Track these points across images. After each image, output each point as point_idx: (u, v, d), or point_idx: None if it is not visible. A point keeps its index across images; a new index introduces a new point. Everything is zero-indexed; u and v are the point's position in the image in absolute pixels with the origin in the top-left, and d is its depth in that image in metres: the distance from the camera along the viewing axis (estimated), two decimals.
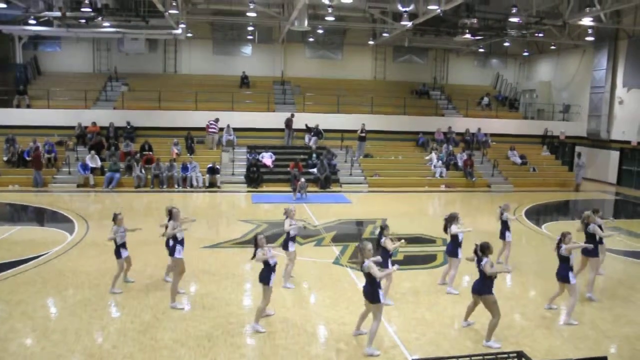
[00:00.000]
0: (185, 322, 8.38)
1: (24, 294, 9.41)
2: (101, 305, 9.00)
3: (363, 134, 25.24)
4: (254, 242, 8.05)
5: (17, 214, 17.63)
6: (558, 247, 8.83)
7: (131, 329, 8.02)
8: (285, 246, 10.20)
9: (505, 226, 11.61)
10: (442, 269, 11.05)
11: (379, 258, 8.10)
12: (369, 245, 7.45)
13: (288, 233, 10.09)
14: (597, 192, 24.34)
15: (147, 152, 23.02)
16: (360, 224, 16.68)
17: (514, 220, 11.99)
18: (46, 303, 9.15)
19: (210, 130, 24.68)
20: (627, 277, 11.63)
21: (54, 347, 7.39)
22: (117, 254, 9.75)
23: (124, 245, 9.80)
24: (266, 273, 8.07)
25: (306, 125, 25.62)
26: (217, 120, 24.69)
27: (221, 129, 25.00)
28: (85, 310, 8.71)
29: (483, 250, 7.89)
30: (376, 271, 7.25)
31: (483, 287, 7.83)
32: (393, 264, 8.70)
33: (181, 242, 9.14)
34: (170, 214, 9.28)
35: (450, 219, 10.17)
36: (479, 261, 7.91)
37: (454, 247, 10.10)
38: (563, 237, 8.76)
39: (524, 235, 15.22)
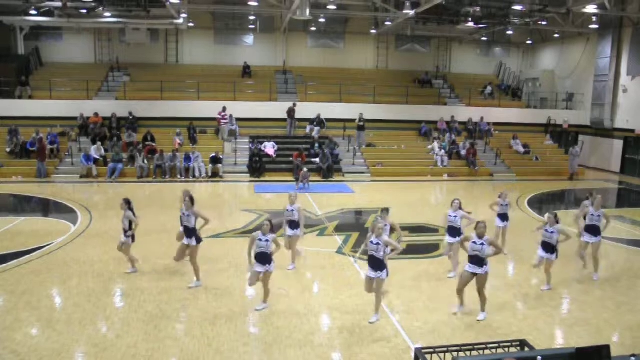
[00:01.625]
0: (189, 311, 8.43)
1: (29, 284, 9.47)
2: (105, 295, 9.06)
3: (361, 123, 25.20)
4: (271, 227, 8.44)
5: (21, 205, 17.69)
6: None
7: (135, 319, 8.07)
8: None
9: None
10: (443, 258, 11.10)
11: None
12: (380, 224, 8.12)
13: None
14: (600, 181, 24.28)
15: (149, 143, 23.04)
16: (363, 213, 16.69)
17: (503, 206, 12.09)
18: (51, 293, 9.21)
19: (222, 121, 24.57)
20: (629, 265, 11.63)
21: (59, 336, 7.45)
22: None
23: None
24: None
25: (311, 122, 25.52)
26: (224, 109, 24.61)
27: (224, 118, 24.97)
28: (90, 300, 8.76)
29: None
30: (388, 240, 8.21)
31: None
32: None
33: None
34: (184, 201, 9.56)
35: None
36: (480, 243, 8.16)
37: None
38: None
39: (526, 224, 15.21)
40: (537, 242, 9.76)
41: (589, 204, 10.73)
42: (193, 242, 9.48)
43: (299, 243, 10.74)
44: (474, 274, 8.19)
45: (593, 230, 10.43)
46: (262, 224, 8.46)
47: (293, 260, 10.73)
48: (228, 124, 24.81)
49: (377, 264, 7.99)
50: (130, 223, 9.85)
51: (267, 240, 8.33)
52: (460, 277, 8.45)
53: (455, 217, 10.12)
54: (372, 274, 8.02)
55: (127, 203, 9.94)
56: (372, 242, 8.01)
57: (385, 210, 9.75)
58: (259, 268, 8.38)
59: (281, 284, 9.79)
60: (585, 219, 10.67)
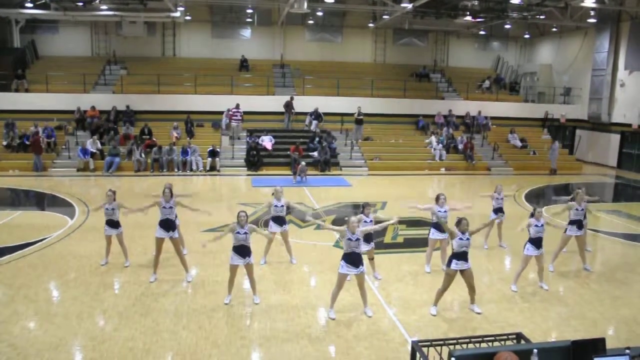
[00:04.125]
0: (187, 305, 8.45)
1: (26, 277, 9.48)
2: (102, 288, 9.06)
3: (360, 117, 25.18)
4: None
5: (18, 199, 17.65)
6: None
7: (133, 312, 8.08)
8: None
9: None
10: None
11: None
12: (353, 218, 8.06)
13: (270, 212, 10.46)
14: (597, 175, 24.35)
15: (146, 136, 22.98)
16: (360, 207, 16.70)
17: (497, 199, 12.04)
18: (48, 287, 9.21)
19: (234, 118, 24.24)
20: (625, 259, 11.68)
21: (57, 330, 7.46)
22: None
23: (108, 222, 10.00)
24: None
25: (309, 114, 25.50)
26: (238, 107, 24.28)
27: (222, 116, 24.74)
28: (87, 294, 8.77)
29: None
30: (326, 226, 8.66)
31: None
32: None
33: (160, 224, 9.42)
34: (163, 193, 9.58)
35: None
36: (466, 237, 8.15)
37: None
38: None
39: (522, 218, 15.23)
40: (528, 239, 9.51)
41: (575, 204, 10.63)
42: (176, 234, 9.52)
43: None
44: (462, 270, 8.16)
45: (578, 224, 10.46)
46: (238, 216, 8.32)
47: (291, 254, 10.73)
48: (224, 118, 24.66)
49: (358, 260, 7.93)
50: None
51: (245, 233, 8.26)
52: (447, 276, 8.20)
53: (445, 212, 10.10)
54: (355, 270, 7.92)
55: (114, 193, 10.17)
56: (350, 239, 7.86)
57: (368, 206, 9.52)
58: (239, 261, 8.34)
59: (278, 278, 9.82)
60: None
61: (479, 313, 8.37)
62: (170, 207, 9.46)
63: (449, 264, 8.18)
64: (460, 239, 8.05)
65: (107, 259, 10.25)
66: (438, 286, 9.45)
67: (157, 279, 9.44)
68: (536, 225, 9.29)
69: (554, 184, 22.06)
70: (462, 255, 8.09)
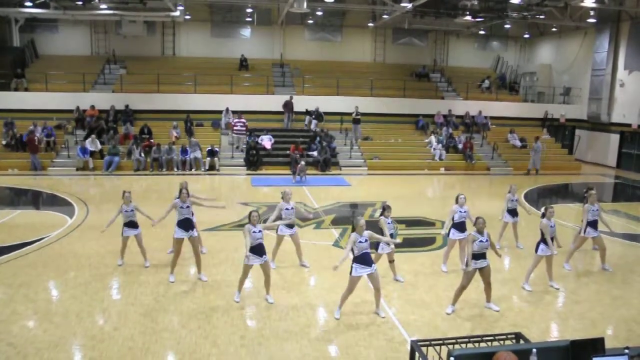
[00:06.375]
0: (186, 304, 8.45)
1: (26, 277, 9.47)
2: (102, 287, 9.07)
3: (357, 117, 25.18)
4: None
5: (17, 198, 17.65)
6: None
7: (132, 311, 8.08)
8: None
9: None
10: (441, 251, 11.13)
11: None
12: (362, 221, 7.87)
13: (281, 217, 10.12)
14: (596, 175, 24.35)
15: (146, 136, 22.98)
16: (359, 206, 16.72)
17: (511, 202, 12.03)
18: (47, 286, 9.20)
19: (236, 129, 23.88)
20: (625, 259, 11.67)
21: (56, 329, 7.46)
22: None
23: (128, 224, 9.99)
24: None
25: (306, 110, 25.52)
26: (240, 116, 23.84)
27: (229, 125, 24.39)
28: (86, 293, 8.77)
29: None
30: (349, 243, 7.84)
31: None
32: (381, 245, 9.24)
33: (179, 224, 9.36)
34: (180, 193, 9.57)
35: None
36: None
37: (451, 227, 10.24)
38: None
39: (522, 218, 15.21)
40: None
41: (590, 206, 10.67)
42: (195, 233, 9.53)
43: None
44: (480, 268, 8.23)
45: (596, 224, 10.56)
46: (250, 215, 8.31)
47: (301, 258, 10.52)
48: (224, 118, 24.55)
49: (369, 259, 7.94)
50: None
51: (260, 231, 8.27)
52: (465, 275, 8.23)
53: (466, 212, 10.14)
54: (369, 269, 7.90)
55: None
56: (360, 241, 7.79)
57: (389, 208, 9.44)
58: (257, 260, 8.33)
59: (277, 278, 9.82)
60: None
61: (497, 310, 8.43)
62: (188, 207, 9.48)
63: (467, 263, 8.22)
64: (481, 241, 8.10)
65: (123, 259, 10.20)
66: (437, 286, 9.49)
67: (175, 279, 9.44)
68: (551, 227, 9.28)
69: (554, 184, 22.06)
70: (481, 255, 8.19)
